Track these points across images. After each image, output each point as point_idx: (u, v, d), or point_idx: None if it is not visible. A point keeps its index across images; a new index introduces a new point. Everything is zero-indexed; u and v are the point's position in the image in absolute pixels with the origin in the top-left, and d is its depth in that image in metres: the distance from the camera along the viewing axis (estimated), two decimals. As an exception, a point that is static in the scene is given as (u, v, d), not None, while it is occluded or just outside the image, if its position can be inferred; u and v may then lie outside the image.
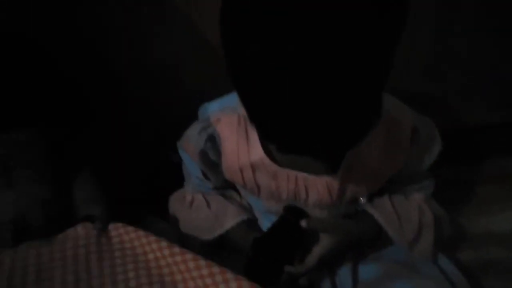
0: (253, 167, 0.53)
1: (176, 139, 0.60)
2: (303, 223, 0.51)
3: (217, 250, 0.61)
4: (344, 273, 0.57)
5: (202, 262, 0.48)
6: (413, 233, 0.55)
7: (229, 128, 0.54)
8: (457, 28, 0.74)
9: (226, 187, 0.63)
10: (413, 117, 0.52)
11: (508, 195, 0.80)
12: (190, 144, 0.56)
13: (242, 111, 0.53)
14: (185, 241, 0.60)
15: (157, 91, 0.77)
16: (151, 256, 0.50)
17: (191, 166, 0.60)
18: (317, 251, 0.52)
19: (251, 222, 0.60)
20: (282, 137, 0.41)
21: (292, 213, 0.52)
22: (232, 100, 0.55)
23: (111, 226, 0.55)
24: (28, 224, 0.57)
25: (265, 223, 0.60)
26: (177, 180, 0.67)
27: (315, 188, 0.53)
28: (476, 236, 0.71)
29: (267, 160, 0.52)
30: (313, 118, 0.38)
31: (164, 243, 0.50)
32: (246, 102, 0.42)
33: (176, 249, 0.50)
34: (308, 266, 0.52)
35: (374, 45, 0.36)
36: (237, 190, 0.64)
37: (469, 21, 0.73)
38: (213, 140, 0.55)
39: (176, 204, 0.65)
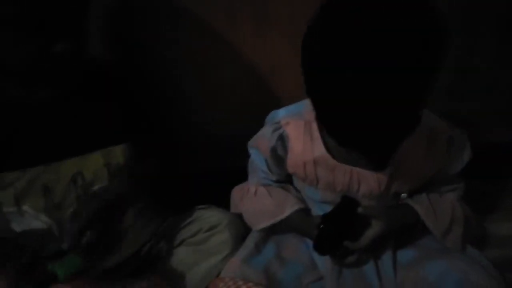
0: (315, 162, 0.66)
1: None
2: (360, 209, 0.63)
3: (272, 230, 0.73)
4: (385, 257, 0.69)
5: None
6: (445, 225, 0.66)
7: (296, 130, 0.67)
8: (477, 51, 0.85)
9: (285, 181, 0.75)
10: (448, 128, 0.64)
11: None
12: (263, 141, 0.69)
13: (307, 117, 0.66)
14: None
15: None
16: None
17: (260, 161, 0.73)
18: (370, 233, 0.64)
19: (306, 211, 0.72)
20: (347, 135, 0.53)
21: (349, 201, 0.64)
22: (298, 108, 0.69)
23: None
24: None
25: (318, 212, 0.72)
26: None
27: (367, 181, 0.65)
28: (501, 237, 0.81)
29: (327, 156, 0.65)
30: (372, 122, 0.50)
31: None
32: (321, 111, 0.55)
33: None
34: (361, 245, 0.63)
35: (424, 76, 0.49)
36: (293, 185, 0.76)
37: (491, 44, 0.84)
38: (282, 139, 0.68)
39: (239, 194, 0.78)
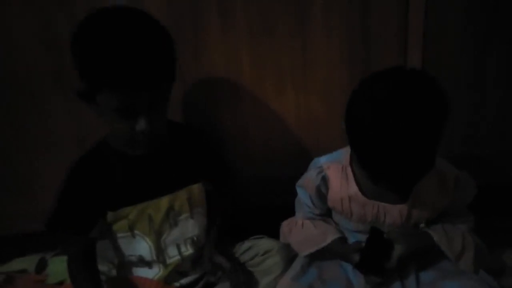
0: (350, 198, 0.84)
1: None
2: (385, 235, 0.80)
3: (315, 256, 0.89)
4: (410, 277, 0.84)
5: None
6: (458, 249, 0.81)
7: (335, 173, 0.86)
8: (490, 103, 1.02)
9: (326, 215, 0.93)
10: (455, 171, 0.82)
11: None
12: (309, 182, 0.88)
13: (344, 162, 0.86)
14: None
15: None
16: None
17: (305, 198, 0.91)
18: (394, 255, 0.80)
19: (344, 239, 0.89)
20: (376, 168, 0.72)
21: (378, 230, 0.81)
22: (336, 156, 0.88)
23: None
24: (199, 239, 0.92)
25: (352, 240, 0.88)
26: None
27: (391, 214, 0.82)
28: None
29: (359, 194, 0.83)
30: (398, 164, 0.69)
31: None
32: (361, 160, 0.74)
33: None
34: (390, 265, 0.80)
35: (435, 133, 0.69)
36: (332, 218, 0.93)
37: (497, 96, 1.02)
38: (324, 180, 0.87)
39: (288, 227, 0.96)
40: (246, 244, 0.97)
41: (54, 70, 0.98)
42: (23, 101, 1.00)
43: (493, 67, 1.01)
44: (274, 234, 0.99)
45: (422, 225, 0.83)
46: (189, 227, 0.91)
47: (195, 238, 0.91)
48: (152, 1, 0.92)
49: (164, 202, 0.87)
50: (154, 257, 0.88)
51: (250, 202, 1.10)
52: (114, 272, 0.94)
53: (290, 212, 0.98)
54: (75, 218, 0.84)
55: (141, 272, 0.90)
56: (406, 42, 0.97)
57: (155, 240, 0.88)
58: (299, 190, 0.93)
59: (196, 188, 0.90)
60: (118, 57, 0.69)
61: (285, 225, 0.97)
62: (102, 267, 0.96)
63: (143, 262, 0.90)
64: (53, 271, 1.09)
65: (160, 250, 0.88)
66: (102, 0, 0.80)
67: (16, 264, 1.10)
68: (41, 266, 1.11)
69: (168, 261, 0.90)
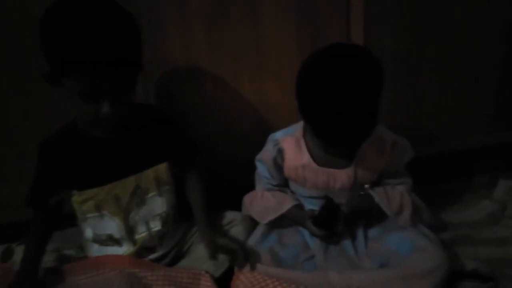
0: (303, 167, 0.93)
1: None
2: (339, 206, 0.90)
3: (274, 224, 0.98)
4: (359, 235, 0.95)
5: None
6: (396, 207, 0.92)
7: (290, 145, 0.94)
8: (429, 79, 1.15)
9: (283, 185, 1.01)
10: (393, 136, 0.93)
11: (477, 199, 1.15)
12: (266, 154, 0.96)
13: (297, 135, 0.94)
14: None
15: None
16: None
17: (263, 170, 0.99)
18: (342, 217, 0.90)
19: (300, 206, 0.97)
20: (330, 136, 0.81)
21: (330, 199, 0.91)
22: (289, 130, 0.97)
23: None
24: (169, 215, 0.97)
25: (308, 206, 0.97)
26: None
27: (340, 178, 0.92)
28: (456, 223, 1.07)
29: (311, 162, 0.92)
30: (345, 128, 0.78)
31: None
32: (313, 126, 0.82)
33: None
34: (341, 227, 0.90)
35: (374, 99, 0.78)
36: (289, 188, 1.01)
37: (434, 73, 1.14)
38: (280, 151, 0.95)
39: (250, 198, 1.03)
40: (212, 217, 1.03)
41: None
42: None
43: (429, 47, 1.12)
44: (237, 209, 1.05)
45: (366, 186, 0.93)
46: (157, 205, 0.95)
47: (163, 215, 0.96)
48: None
49: (130, 181, 0.91)
50: (124, 235, 0.93)
51: (211, 182, 1.16)
52: (82, 255, 0.97)
53: (251, 189, 1.05)
54: (46, 195, 0.87)
55: (112, 250, 0.94)
56: (349, 24, 1.07)
57: (124, 218, 0.92)
58: (258, 164, 1.00)
59: (163, 167, 0.95)
60: (83, 41, 0.72)
61: (246, 198, 1.04)
62: (70, 251, 0.99)
63: (113, 240, 0.94)
64: (19, 259, 1.10)
65: (129, 228, 0.93)
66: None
67: (-18, 254, 1.11)
68: (8, 255, 1.12)
69: (137, 237, 0.94)
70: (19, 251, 1.14)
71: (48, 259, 0.94)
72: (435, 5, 1.10)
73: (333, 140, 0.82)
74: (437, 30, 1.12)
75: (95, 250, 0.95)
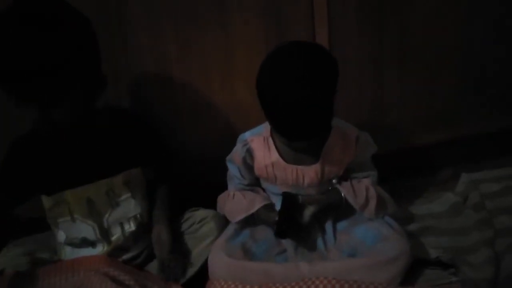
0: (273, 165, 0.96)
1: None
2: (300, 198, 0.93)
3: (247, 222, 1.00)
4: (327, 228, 0.99)
5: None
6: (362, 200, 0.96)
7: (258, 144, 0.97)
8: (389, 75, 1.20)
9: (254, 185, 1.04)
10: (357, 131, 0.97)
11: (441, 192, 1.20)
12: (236, 155, 0.99)
13: (264, 134, 0.97)
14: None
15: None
16: None
17: (234, 171, 1.02)
18: (307, 213, 0.93)
19: (270, 206, 0.99)
20: (287, 130, 0.84)
21: (289, 195, 0.94)
22: (258, 130, 1.00)
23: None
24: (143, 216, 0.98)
25: (278, 204, 0.99)
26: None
27: (308, 174, 0.95)
28: (420, 215, 1.11)
29: (280, 160, 0.95)
30: (302, 121, 0.82)
31: None
32: (273, 122, 0.86)
33: None
34: (305, 223, 0.93)
35: (329, 94, 0.82)
36: (261, 187, 1.04)
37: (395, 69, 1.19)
38: (249, 151, 0.98)
39: (223, 198, 1.05)
40: (185, 215, 1.05)
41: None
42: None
43: (390, 44, 1.17)
44: (210, 207, 1.08)
45: (334, 180, 0.97)
46: (132, 206, 0.97)
47: (138, 216, 0.98)
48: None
49: (102, 184, 0.93)
50: (99, 236, 0.94)
51: (186, 182, 1.18)
52: (56, 258, 0.98)
53: (222, 187, 1.07)
54: (12, 194, 0.88)
55: (85, 252, 0.95)
56: (313, 23, 1.10)
57: (97, 221, 0.93)
58: (229, 165, 1.03)
59: (135, 172, 0.97)
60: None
61: (220, 198, 1.06)
62: (43, 254, 0.99)
63: (86, 242, 0.95)
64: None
65: (103, 230, 0.94)
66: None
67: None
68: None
69: (111, 238, 0.96)
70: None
71: (21, 263, 0.94)
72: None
73: (291, 133, 0.85)
74: (399, 26, 1.15)
75: (69, 253, 0.96)
